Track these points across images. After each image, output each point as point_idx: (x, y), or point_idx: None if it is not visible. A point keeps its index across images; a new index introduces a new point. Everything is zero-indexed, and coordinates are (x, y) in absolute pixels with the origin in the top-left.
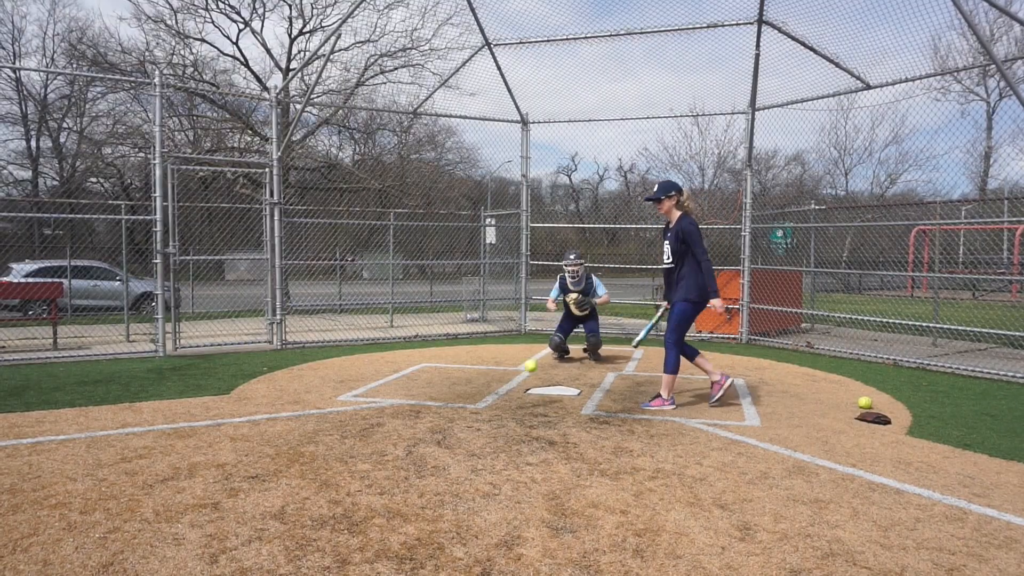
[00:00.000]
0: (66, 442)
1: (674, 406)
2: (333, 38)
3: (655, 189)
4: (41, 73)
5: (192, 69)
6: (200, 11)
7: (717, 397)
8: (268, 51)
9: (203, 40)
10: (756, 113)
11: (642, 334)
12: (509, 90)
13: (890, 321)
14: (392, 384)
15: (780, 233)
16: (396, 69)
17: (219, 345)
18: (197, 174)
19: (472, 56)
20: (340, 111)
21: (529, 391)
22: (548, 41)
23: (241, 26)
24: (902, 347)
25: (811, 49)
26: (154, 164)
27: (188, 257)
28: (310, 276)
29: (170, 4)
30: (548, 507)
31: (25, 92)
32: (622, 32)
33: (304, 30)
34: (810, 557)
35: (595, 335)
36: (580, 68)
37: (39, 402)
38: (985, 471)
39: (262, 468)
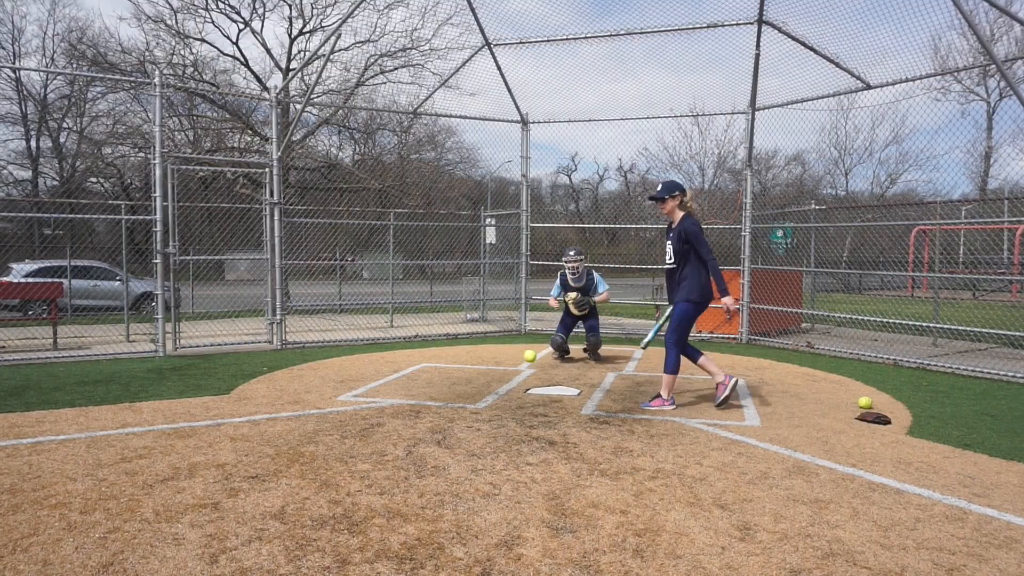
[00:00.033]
0: (66, 442)
1: (674, 406)
2: (333, 38)
3: (658, 188)
4: (41, 73)
5: (192, 69)
6: (200, 11)
7: (722, 398)
8: (268, 51)
9: (203, 40)
10: (756, 113)
11: (650, 335)
12: (509, 90)
13: (890, 321)
14: (392, 384)
15: (780, 233)
16: (396, 69)
17: (219, 345)
18: (197, 174)
19: (472, 56)
20: (340, 111)
21: (529, 391)
22: (548, 41)
23: (241, 26)
24: (902, 347)
25: (811, 49)
26: (154, 164)
27: (188, 257)
28: (310, 276)
29: (170, 4)
30: (548, 507)
31: (25, 92)
32: (622, 32)
33: (304, 30)
34: (810, 557)
35: (595, 335)
36: (580, 68)
37: (39, 402)
38: (985, 471)
39: (262, 468)
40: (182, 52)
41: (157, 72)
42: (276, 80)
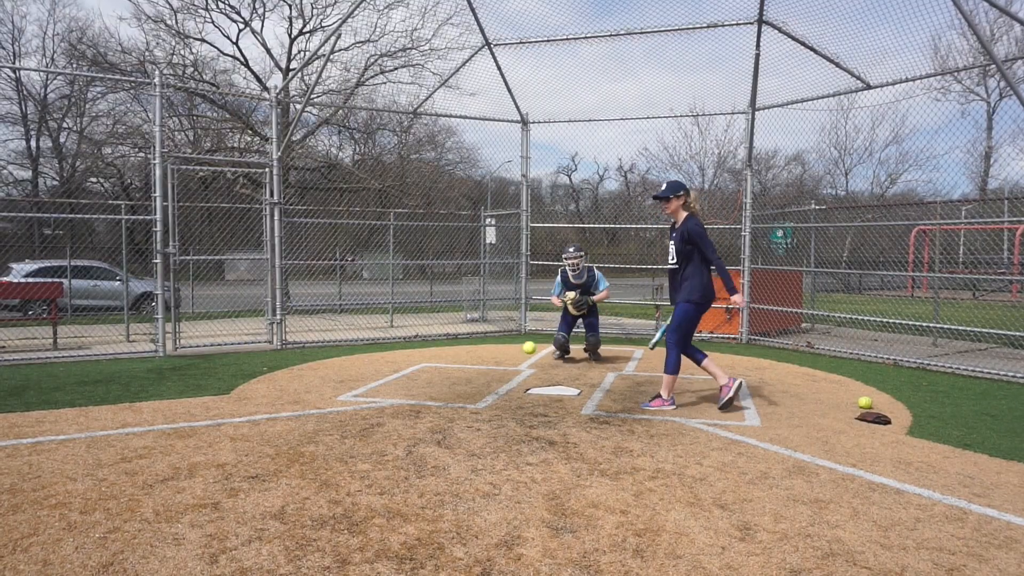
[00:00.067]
0: (66, 442)
1: (674, 406)
2: (333, 38)
3: (663, 188)
4: (41, 73)
5: (192, 69)
6: (200, 11)
7: (725, 400)
8: (268, 51)
9: (203, 40)
10: (756, 113)
11: (657, 336)
12: (509, 90)
13: (890, 321)
14: (392, 384)
15: (780, 233)
16: (396, 69)
17: (219, 345)
18: (197, 174)
19: (472, 56)
20: (340, 111)
21: (529, 391)
22: (548, 41)
23: (241, 26)
24: (902, 347)
25: (811, 49)
26: (154, 164)
27: (188, 257)
28: (310, 276)
29: (170, 4)
30: (548, 507)
31: (25, 92)
32: (622, 32)
33: (304, 30)
34: (810, 557)
35: (594, 334)
36: (580, 68)
37: (39, 402)
38: (985, 471)
39: (262, 468)
40: (182, 52)
41: (157, 72)
42: (276, 80)
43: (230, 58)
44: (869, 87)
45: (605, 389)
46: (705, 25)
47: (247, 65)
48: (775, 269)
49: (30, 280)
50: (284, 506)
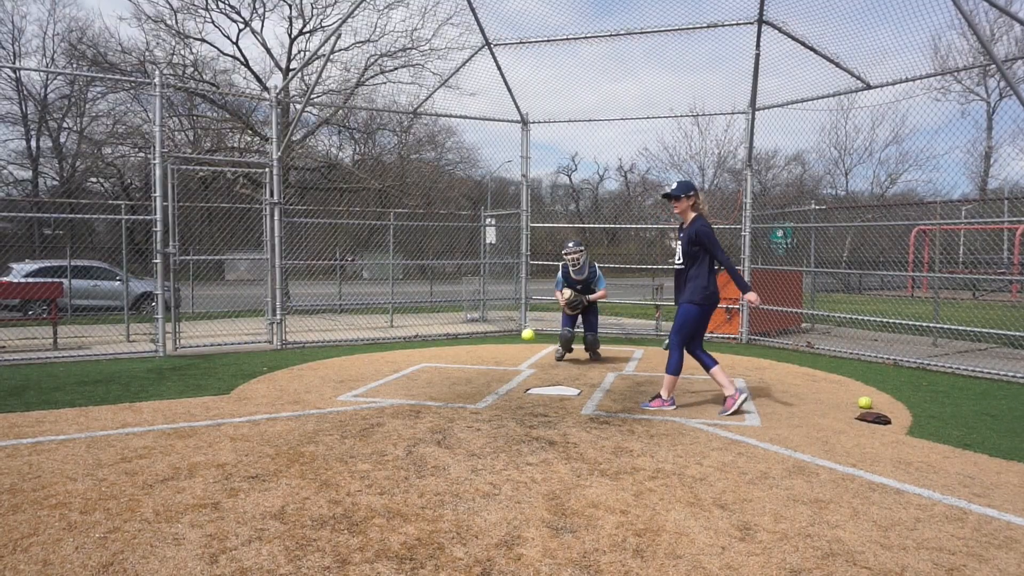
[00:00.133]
0: (66, 442)
1: (674, 406)
2: (333, 38)
3: (674, 186)
4: (41, 73)
5: (192, 69)
6: (200, 11)
7: (728, 412)
8: (268, 51)
9: (203, 40)
10: (756, 113)
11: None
12: (509, 90)
13: (890, 321)
14: (392, 384)
15: (780, 233)
16: (396, 69)
17: (219, 345)
18: (197, 174)
19: (472, 56)
20: (340, 111)
21: (529, 391)
22: (548, 41)
23: (241, 26)
24: (902, 347)
25: (811, 49)
26: (154, 164)
27: (188, 257)
28: (310, 276)
29: (170, 4)
30: (548, 507)
31: (25, 92)
32: (622, 32)
33: (304, 30)
34: (810, 557)
35: (593, 333)
36: (580, 68)
37: (39, 402)
38: (985, 471)
39: (262, 468)
40: (182, 52)
41: (157, 72)
42: (276, 80)
43: (230, 58)
44: (869, 87)
45: (605, 389)
46: (705, 25)
47: (247, 65)
48: (775, 269)
49: (30, 280)
50: (284, 506)
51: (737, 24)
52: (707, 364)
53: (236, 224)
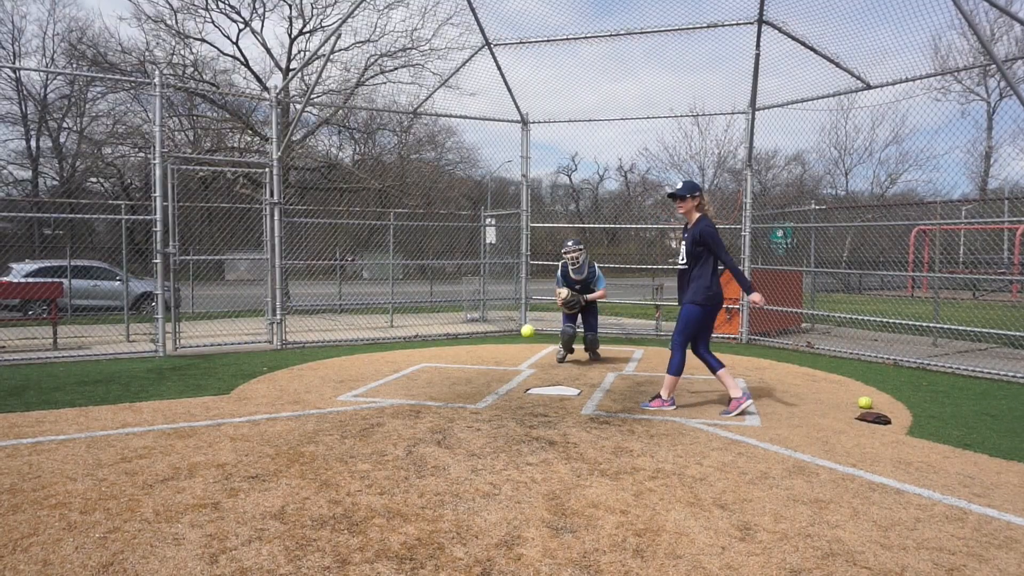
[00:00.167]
0: (66, 442)
1: (674, 407)
2: (333, 38)
3: (679, 186)
4: (41, 73)
5: (192, 69)
6: (200, 11)
7: (732, 413)
8: (268, 51)
9: (203, 40)
10: (756, 113)
11: None
12: (509, 90)
13: (890, 321)
14: (392, 384)
15: (780, 233)
16: (396, 69)
17: (219, 345)
18: (197, 174)
19: (472, 56)
20: (340, 111)
21: (529, 391)
22: (548, 41)
23: (241, 26)
24: (902, 347)
25: (811, 49)
26: (154, 164)
27: (188, 257)
28: (310, 276)
29: (170, 4)
30: (548, 507)
31: (25, 92)
32: (622, 32)
33: (304, 30)
34: (810, 557)
35: (593, 333)
36: (580, 68)
37: (39, 402)
38: (985, 471)
39: (262, 468)
40: (182, 52)
41: (157, 72)
42: (276, 80)
43: (230, 58)
44: (869, 87)
45: (605, 389)
46: (705, 25)
47: (247, 65)
48: (775, 269)
49: (30, 280)
50: (284, 506)
51: (737, 24)
52: (713, 366)
53: (236, 224)
